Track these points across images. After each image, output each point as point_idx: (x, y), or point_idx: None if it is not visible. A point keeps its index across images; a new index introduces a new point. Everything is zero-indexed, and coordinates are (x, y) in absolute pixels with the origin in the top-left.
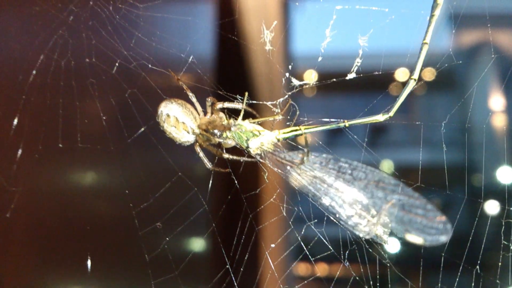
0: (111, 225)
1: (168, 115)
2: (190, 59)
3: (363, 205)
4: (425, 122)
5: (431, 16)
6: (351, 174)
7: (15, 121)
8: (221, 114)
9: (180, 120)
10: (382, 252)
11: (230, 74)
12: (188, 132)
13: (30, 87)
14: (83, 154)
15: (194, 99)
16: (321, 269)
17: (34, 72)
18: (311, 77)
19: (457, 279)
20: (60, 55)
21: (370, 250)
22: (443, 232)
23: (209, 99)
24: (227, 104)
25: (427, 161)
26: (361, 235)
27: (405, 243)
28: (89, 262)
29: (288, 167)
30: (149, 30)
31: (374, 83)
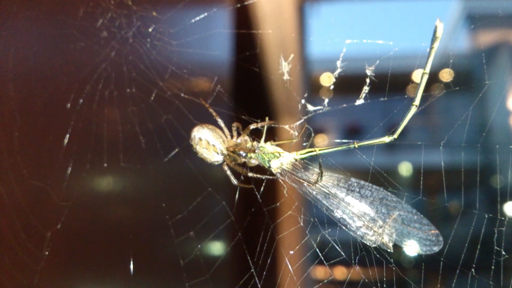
0: (150, 234)
1: (200, 139)
2: (217, 88)
3: (370, 218)
4: (426, 142)
5: (431, 48)
6: (359, 192)
7: (65, 143)
8: (246, 137)
9: (210, 143)
10: (388, 257)
11: (253, 101)
12: (217, 153)
13: (77, 114)
14: (125, 172)
15: (222, 124)
16: (335, 273)
17: (81, 100)
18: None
19: (455, 281)
20: (104, 86)
21: (378, 255)
22: (436, 244)
23: (235, 124)
24: (252, 127)
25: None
26: (368, 244)
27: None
28: (131, 266)
29: (305, 184)
30: (181, 64)
31: (392, 88)
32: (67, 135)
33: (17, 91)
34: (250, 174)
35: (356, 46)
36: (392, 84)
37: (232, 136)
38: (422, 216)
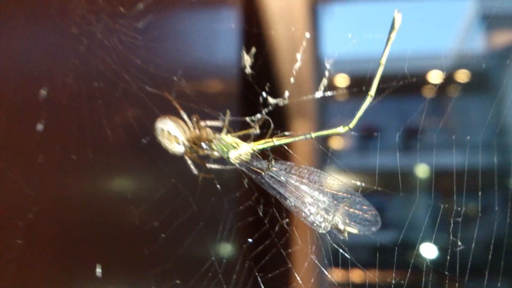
0: (116, 223)
1: (162, 129)
2: (181, 82)
3: (318, 204)
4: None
5: (388, 39)
6: (308, 178)
7: (36, 136)
8: (208, 130)
9: (172, 133)
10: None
11: (216, 96)
12: (178, 144)
13: (48, 107)
14: (92, 165)
15: (185, 117)
16: (292, 263)
17: (51, 94)
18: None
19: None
20: (73, 80)
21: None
22: (374, 224)
23: (194, 117)
24: (209, 123)
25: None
26: (319, 231)
27: (441, 249)
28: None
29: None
30: (147, 58)
31: (407, 86)
32: (39, 128)
33: None
34: (208, 165)
35: (368, 46)
36: (406, 85)
37: (194, 128)
38: (364, 198)
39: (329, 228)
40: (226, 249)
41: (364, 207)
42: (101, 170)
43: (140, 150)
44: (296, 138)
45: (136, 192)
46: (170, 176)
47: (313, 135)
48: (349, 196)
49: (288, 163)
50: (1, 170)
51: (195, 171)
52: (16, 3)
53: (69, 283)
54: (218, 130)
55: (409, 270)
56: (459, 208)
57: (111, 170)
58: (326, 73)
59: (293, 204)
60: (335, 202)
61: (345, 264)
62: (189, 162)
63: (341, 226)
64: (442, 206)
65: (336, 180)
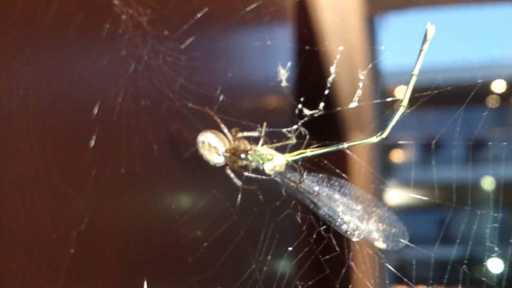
0: (161, 232)
1: (203, 142)
2: (221, 98)
3: (352, 213)
4: None
5: (420, 50)
6: (339, 191)
7: (89, 151)
8: (245, 141)
9: (212, 145)
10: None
11: (254, 109)
12: (218, 155)
13: (100, 124)
14: (140, 177)
15: (225, 130)
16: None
17: (103, 112)
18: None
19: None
20: (122, 99)
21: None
22: (402, 238)
23: (233, 130)
24: (246, 134)
25: None
26: (353, 239)
27: (509, 264)
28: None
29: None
30: (189, 77)
31: (470, 99)
32: (91, 144)
33: (50, 105)
34: (246, 173)
35: (431, 56)
36: (469, 94)
37: (233, 140)
38: (392, 211)
39: (362, 236)
40: (266, 257)
41: (394, 222)
42: (148, 183)
43: (183, 163)
44: (329, 149)
45: (179, 203)
46: (211, 187)
47: (346, 145)
48: (378, 209)
49: (321, 175)
50: (58, 185)
51: (238, 182)
52: (73, 29)
53: None
54: (256, 141)
55: (476, 287)
56: None
57: (157, 183)
58: (360, 84)
59: (326, 213)
60: (366, 213)
61: (409, 280)
62: (231, 175)
63: (375, 235)
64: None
65: (367, 194)
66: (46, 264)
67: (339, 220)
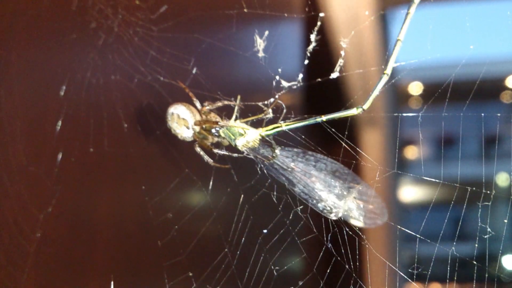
0: (130, 215)
1: (172, 113)
2: (194, 71)
3: (329, 189)
4: None
5: (407, 13)
6: (315, 166)
7: (57, 130)
8: (216, 116)
9: (181, 117)
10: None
11: (229, 82)
12: (187, 128)
13: (68, 102)
14: (108, 157)
15: (197, 104)
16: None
17: (72, 88)
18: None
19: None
20: (91, 74)
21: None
22: (381, 216)
23: (206, 103)
24: (218, 104)
25: None
26: (330, 217)
27: None
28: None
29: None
30: (161, 48)
31: (484, 92)
32: (59, 122)
33: (18, 83)
34: (216, 151)
35: (445, 52)
36: (484, 90)
37: (203, 113)
38: (369, 187)
39: (340, 215)
40: (240, 240)
41: (371, 198)
42: (117, 162)
43: (154, 141)
44: (306, 122)
45: (150, 184)
46: (184, 167)
47: (325, 118)
48: (356, 185)
49: (295, 149)
50: (26, 166)
51: (209, 161)
52: (40, 2)
53: (82, 276)
54: (229, 116)
55: (488, 283)
56: None
57: (127, 162)
58: (342, 53)
59: (301, 190)
60: (344, 189)
61: (423, 278)
62: (201, 152)
63: (355, 213)
64: None
65: (344, 169)
66: (13, 247)
67: (316, 197)
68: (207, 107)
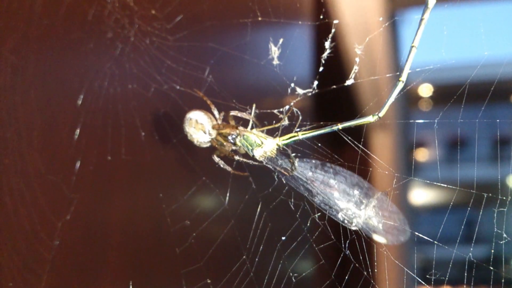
0: (148, 222)
1: (190, 119)
2: (209, 79)
3: (349, 199)
4: None
5: (421, 19)
6: (335, 178)
7: (75, 138)
8: (231, 122)
9: (199, 122)
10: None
11: (244, 90)
12: (204, 133)
13: (86, 111)
14: (126, 165)
15: (215, 112)
16: (325, 259)
17: (89, 97)
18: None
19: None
20: (109, 83)
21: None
22: (403, 233)
23: (222, 113)
24: (233, 113)
25: None
26: (350, 227)
27: None
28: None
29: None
30: (177, 58)
31: (495, 93)
32: (77, 132)
33: (36, 93)
34: (236, 158)
35: (455, 54)
36: (494, 91)
37: (221, 120)
38: (391, 203)
39: (361, 225)
40: (258, 247)
41: (393, 214)
42: (134, 170)
43: (171, 149)
44: (322, 131)
45: (167, 191)
46: (201, 175)
47: (341, 126)
48: (376, 198)
49: (313, 161)
50: (43, 175)
51: (228, 168)
52: (55, 13)
53: (99, 284)
54: (245, 125)
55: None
56: None
57: (144, 170)
58: (357, 60)
59: (321, 201)
60: (364, 200)
61: (440, 283)
62: (219, 160)
63: (374, 222)
64: None
65: (364, 182)
66: (31, 255)
67: (336, 207)
68: (231, 113)
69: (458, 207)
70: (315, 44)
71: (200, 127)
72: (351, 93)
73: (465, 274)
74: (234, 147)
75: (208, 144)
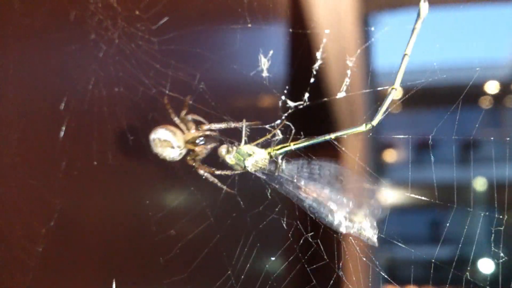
0: (133, 229)
1: (153, 139)
2: (200, 86)
3: (337, 201)
4: None
5: (413, 29)
6: (319, 174)
7: (58, 143)
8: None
9: (162, 139)
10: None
11: (235, 102)
12: (172, 147)
13: (70, 114)
14: (112, 170)
15: (177, 121)
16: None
17: (72, 100)
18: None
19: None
20: (94, 86)
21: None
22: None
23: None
24: (214, 126)
25: None
26: (341, 231)
27: (498, 264)
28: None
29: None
30: (165, 61)
31: (463, 99)
32: (61, 135)
33: (16, 95)
34: (217, 172)
35: (422, 58)
36: (463, 95)
37: (187, 129)
38: (381, 205)
39: (353, 229)
40: (245, 265)
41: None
42: (121, 176)
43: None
44: (314, 141)
45: (154, 199)
46: (189, 184)
47: (333, 136)
48: (368, 198)
49: (301, 161)
50: (25, 179)
51: (222, 186)
52: (35, 12)
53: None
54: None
55: (465, 286)
56: None
57: (131, 176)
58: (349, 72)
59: (310, 205)
60: (355, 198)
61: (399, 281)
62: (207, 174)
63: (369, 230)
64: (499, 218)
65: (347, 171)
66: (13, 263)
67: (323, 210)
68: (205, 127)
69: (422, 208)
70: (306, 54)
71: (165, 144)
72: (344, 103)
73: (427, 273)
74: (229, 163)
75: (181, 157)
